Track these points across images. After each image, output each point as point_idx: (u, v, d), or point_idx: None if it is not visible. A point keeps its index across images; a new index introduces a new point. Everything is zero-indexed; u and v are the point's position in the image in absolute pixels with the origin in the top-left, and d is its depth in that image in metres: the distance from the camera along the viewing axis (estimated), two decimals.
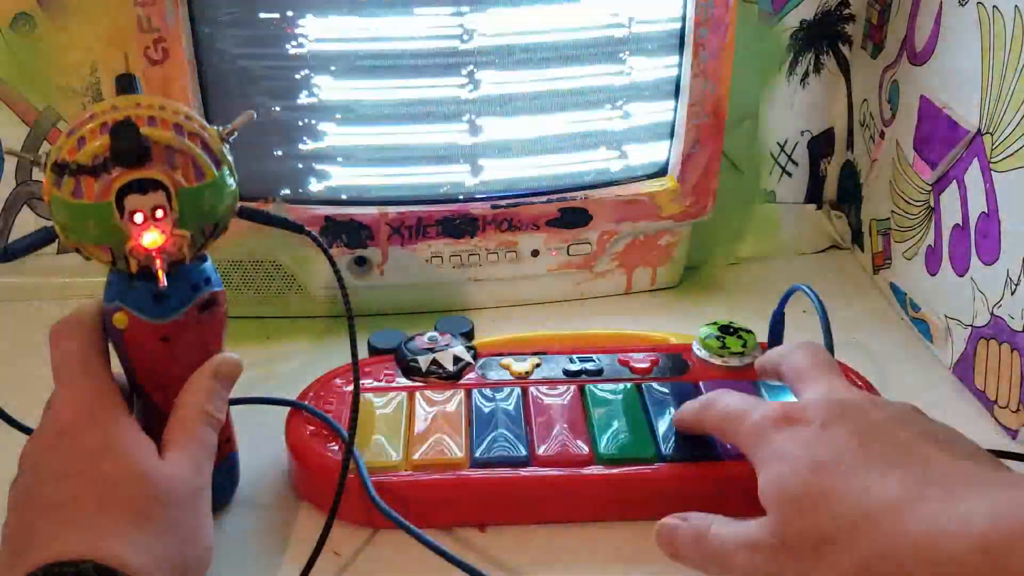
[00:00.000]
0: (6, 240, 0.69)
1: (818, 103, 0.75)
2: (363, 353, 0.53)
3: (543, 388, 0.53)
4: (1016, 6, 0.51)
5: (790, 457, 0.39)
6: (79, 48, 0.64)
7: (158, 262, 0.39)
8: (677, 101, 0.63)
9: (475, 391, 0.52)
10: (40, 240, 0.41)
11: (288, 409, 0.51)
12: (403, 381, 0.53)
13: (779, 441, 0.40)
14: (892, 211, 0.67)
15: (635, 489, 0.47)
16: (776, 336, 0.57)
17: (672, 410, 0.51)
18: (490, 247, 0.64)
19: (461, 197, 0.63)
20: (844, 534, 0.36)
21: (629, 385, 0.53)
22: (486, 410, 0.51)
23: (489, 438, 0.49)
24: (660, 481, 0.47)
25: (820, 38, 0.72)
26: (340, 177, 0.62)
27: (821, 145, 0.76)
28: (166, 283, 0.40)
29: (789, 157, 0.76)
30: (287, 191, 0.62)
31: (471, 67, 0.59)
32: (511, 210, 0.63)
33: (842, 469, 0.37)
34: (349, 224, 0.62)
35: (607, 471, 0.48)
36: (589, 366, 0.54)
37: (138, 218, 0.38)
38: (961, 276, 0.58)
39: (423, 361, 0.54)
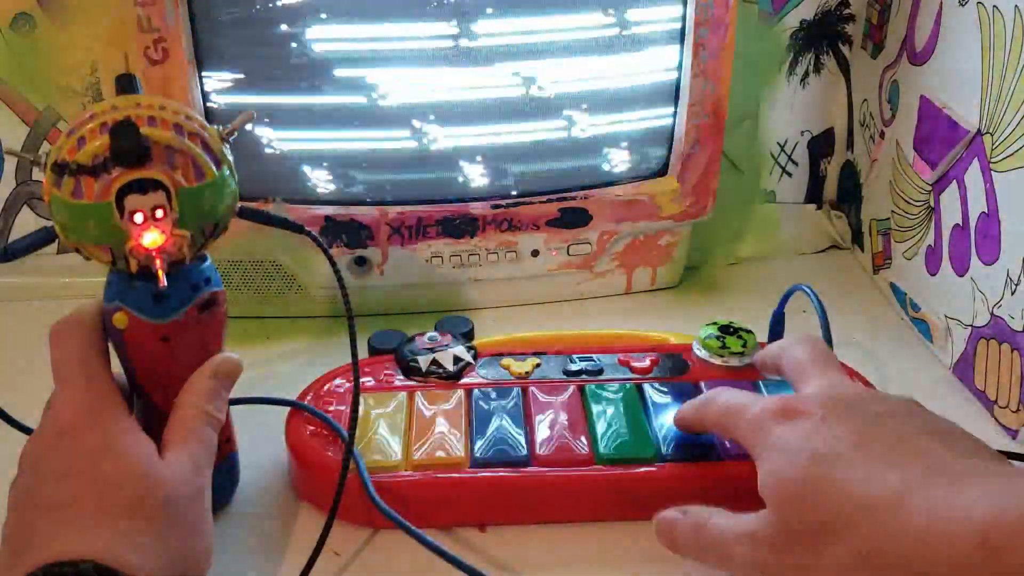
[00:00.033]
0: (6, 240, 0.69)
1: (818, 103, 0.75)
2: (363, 353, 0.53)
3: (543, 388, 0.53)
4: (1016, 6, 0.51)
5: (790, 449, 0.39)
6: (79, 48, 0.64)
7: (158, 262, 0.39)
8: (677, 101, 0.63)
9: (475, 391, 0.52)
10: (40, 240, 0.41)
11: (288, 409, 0.51)
12: (403, 381, 0.53)
13: (778, 434, 0.40)
14: (892, 211, 0.67)
15: (635, 489, 0.47)
16: (776, 336, 0.57)
17: (672, 410, 0.51)
18: (490, 247, 0.64)
19: (461, 197, 0.63)
20: (844, 525, 0.36)
21: (629, 385, 0.53)
22: (486, 410, 0.51)
23: (489, 438, 0.49)
24: (660, 481, 0.47)
25: (820, 38, 0.72)
26: (340, 177, 0.62)
27: (821, 145, 0.76)
28: (166, 283, 0.40)
29: (789, 157, 0.76)
30: (287, 191, 0.62)
31: (472, 67, 0.59)
32: (511, 210, 0.63)
33: (842, 461, 0.37)
34: (349, 224, 0.62)
35: (607, 471, 0.48)
36: (589, 366, 0.54)
37: (138, 218, 0.38)
38: (961, 276, 0.58)
39: (423, 361, 0.54)
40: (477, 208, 0.63)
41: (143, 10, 0.55)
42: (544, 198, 0.64)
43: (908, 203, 0.65)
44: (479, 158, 0.62)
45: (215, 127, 0.42)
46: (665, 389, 0.53)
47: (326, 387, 0.53)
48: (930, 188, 0.62)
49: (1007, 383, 0.54)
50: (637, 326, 0.61)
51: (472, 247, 0.64)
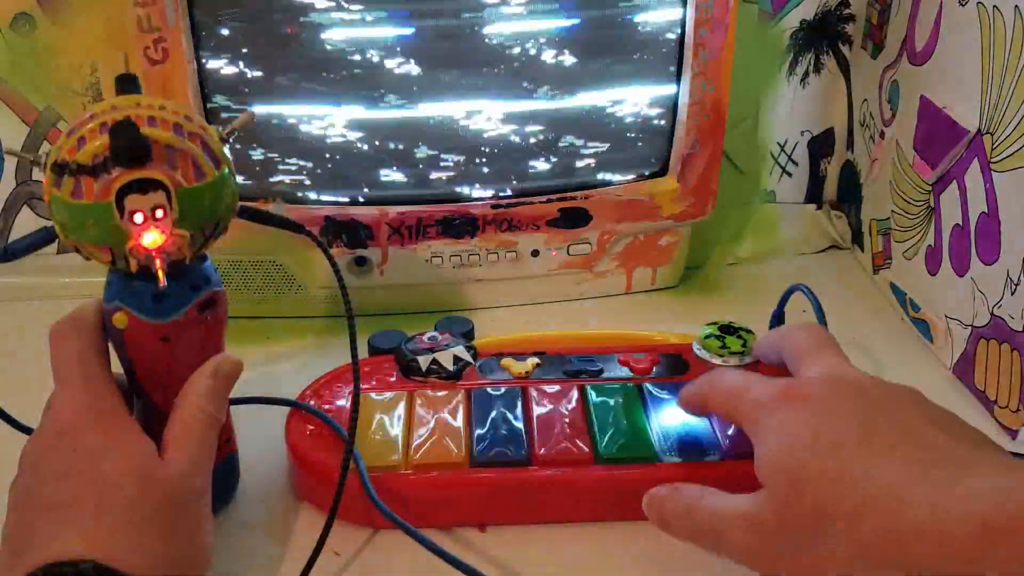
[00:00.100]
0: (6, 240, 0.69)
1: (818, 103, 0.75)
2: (363, 353, 0.53)
3: (543, 388, 0.53)
4: (1016, 6, 0.51)
5: (791, 434, 0.38)
6: (79, 48, 0.64)
7: (158, 262, 0.39)
8: (677, 101, 0.63)
9: (475, 391, 0.52)
10: (40, 240, 0.41)
11: (288, 409, 0.51)
12: (403, 381, 0.53)
13: (779, 417, 0.39)
14: (892, 211, 0.67)
15: (635, 489, 0.47)
16: None
17: (672, 410, 0.51)
18: (490, 247, 0.64)
19: (461, 197, 0.63)
20: (844, 514, 0.35)
21: (629, 385, 0.53)
22: (486, 410, 0.51)
23: (489, 438, 0.49)
24: (660, 481, 0.47)
25: (820, 38, 0.72)
26: (340, 177, 0.62)
27: (821, 145, 0.76)
28: (166, 283, 0.40)
29: (789, 157, 0.76)
30: (287, 191, 0.62)
31: (471, 66, 0.59)
32: (511, 210, 0.63)
33: (844, 448, 0.37)
34: (349, 224, 0.62)
35: (607, 471, 0.48)
36: (589, 366, 0.54)
37: (138, 218, 0.38)
38: (961, 276, 0.58)
39: (423, 361, 0.54)
40: (477, 208, 0.63)
41: (143, 10, 0.55)
42: (544, 198, 0.64)
43: (908, 203, 0.65)
44: (479, 158, 0.62)
45: (215, 127, 0.42)
46: (665, 389, 0.52)
47: (326, 387, 0.53)
48: (930, 188, 0.62)
49: (1007, 383, 0.54)
50: (637, 326, 0.61)
51: (472, 247, 0.64)
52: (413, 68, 0.59)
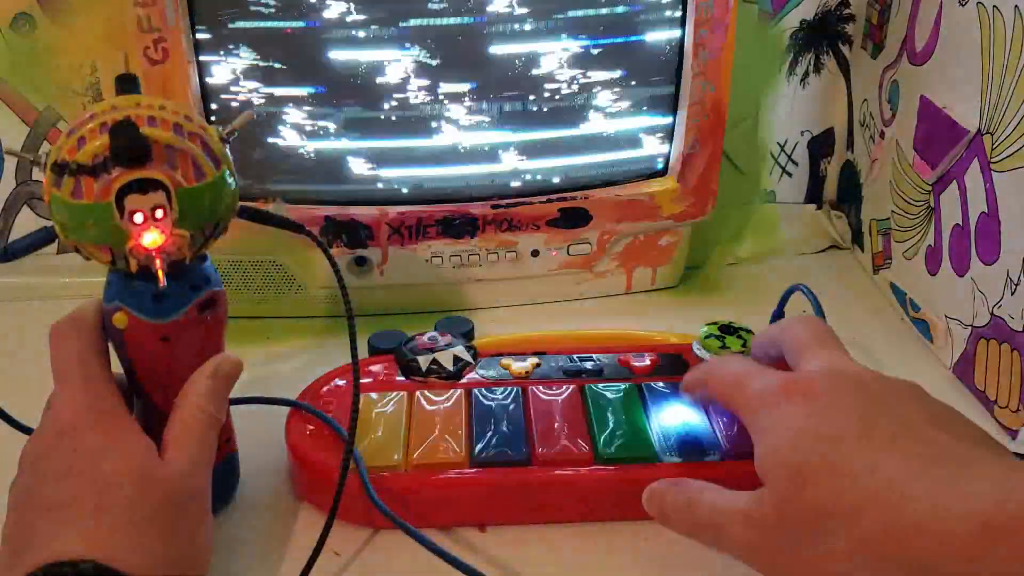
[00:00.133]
0: (6, 240, 0.69)
1: (818, 103, 0.75)
2: (363, 353, 0.53)
3: (543, 388, 0.53)
4: (1016, 6, 0.51)
5: (791, 429, 0.38)
6: (79, 48, 0.64)
7: (158, 262, 0.39)
8: (677, 101, 0.63)
9: (475, 391, 0.52)
10: (40, 240, 0.41)
11: (288, 409, 0.51)
12: (403, 381, 0.53)
13: (779, 412, 0.39)
14: (892, 211, 0.67)
15: (635, 489, 0.47)
16: None
17: (672, 410, 0.51)
18: (490, 247, 0.64)
19: (461, 197, 0.63)
20: (844, 511, 0.35)
21: (629, 385, 0.53)
22: (486, 410, 0.51)
23: (489, 438, 0.49)
24: None
25: (820, 38, 0.72)
26: (340, 177, 0.62)
27: (821, 145, 0.76)
28: (166, 283, 0.40)
29: (789, 157, 0.76)
30: (287, 191, 0.62)
31: (472, 66, 0.59)
32: (511, 210, 0.63)
33: (844, 443, 0.36)
34: (349, 224, 0.62)
35: (607, 471, 0.48)
36: (589, 366, 0.54)
37: (138, 218, 0.38)
38: (961, 276, 0.58)
39: (423, 361, 0.54)
40: (477, 208, 0.63)
41: (143, 10, 0.55)
42: (544, 198, 0.64)
43: (908, 203, 0.65)
44: (480, 158, 0.62)
45: (215, 127, 0.42)
46: (665, 389, 0.52)
47: (326, 387, 0.53)
48: (930, 188, 0.62)
49: (1007, 383, 0.54)
50: (637, 326, 0.61)
51: (472, 247, 0.64)
52: (414, 68, 0.59)
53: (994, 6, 0.53)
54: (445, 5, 0.57)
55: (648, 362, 0.55)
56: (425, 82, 0.59)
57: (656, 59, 0.62)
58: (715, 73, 0.62)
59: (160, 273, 0.39)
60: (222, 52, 0.58)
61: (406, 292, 0.66)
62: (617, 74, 0.61)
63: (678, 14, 0.61)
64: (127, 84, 0.41)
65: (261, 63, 0.58)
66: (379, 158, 0.61)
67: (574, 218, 0.64)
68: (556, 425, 0.50)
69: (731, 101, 0.63)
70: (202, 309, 0.43)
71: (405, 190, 0.63)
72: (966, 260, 0.57)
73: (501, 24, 0.58)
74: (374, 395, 0.52)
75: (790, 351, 0.44)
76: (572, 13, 0.59)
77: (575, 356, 0.55)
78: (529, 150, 0.63)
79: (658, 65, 0.62)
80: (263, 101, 0.59)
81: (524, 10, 0.58)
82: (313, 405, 0.51)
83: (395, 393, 0.52)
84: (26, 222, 0.69)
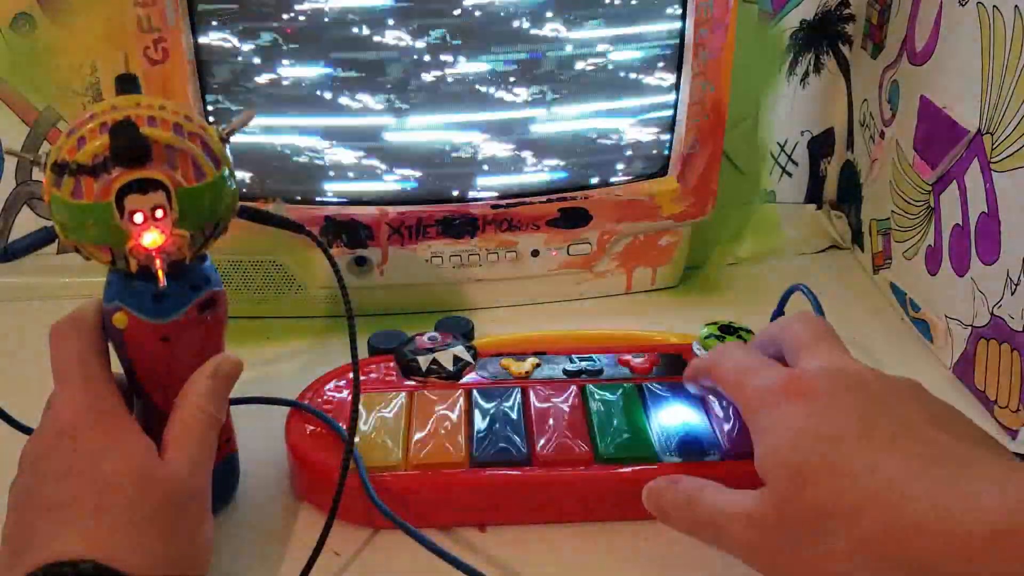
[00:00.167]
0: (6, 240, 0.69)
1: (818, 103, 0.75)
2: (363, 353, 0.53)
3: (543, 388, 0.53)
4: (1016, 6, 0.51)
5: (791, 429, 0.38)
6: (79, 48, 0.64)
7: (158, 262, 0.39)
8: (677, 101, 0.63)
9: (475, 391, 0.52)
10: (40, 240, 0.41)
11: (288, 409, 0.51)
12: (403, 381, 0.53)
13: (781, 412, 0.39)
14: (892, 211, 0.67)
15: (635, 489, 0.47)
16: None
17: (672, 410, 0.51)
18: (490, 247, 0.64)
19: (461, 197, 0.63)
20: (844, 510, 0.35)
21: (629, 385, 0.53)
22: (486, 410, 0.51)
23: (489, 438, 0.49)
24: None
25: (820, 38, 0.72)
26: (340, 177, 0.62)
27: (821, 145, 0.76)
28: (166, 283, 0.40)
29: (789, 157, 0.76)
30: (287, 191, 0.62)
31: (471, 65, 0.59)
32: (511, 210, 0.63)
33: (844, 442, 0.36)
34: (349, 224, 0.62)
35: (607, 471, 0.48)
36: (589, 366, 0.54)
37: (138, 218, 0.38)
38: (961, 276, 0.58)
39: (423, 361, 0.54)
40: (477, 208, 0.63)
41: (143, 10, 0.55)
42: (544, 198, 0.64)
43: (908, 203, 0.65)
44: (479, 157, 0.62)
45: (215, 127, 0.42)
46: (665, 389, 0.53)
47: (326, 387, 0.53)
48: (930, 188, 0.62)
49: (1007, 383, 0.54)
50: (637, 326, 0.61)
51: (472, 247, 0.64)
52: (414, 70, 0.59)
53: (994, 6, 0.53)
54: (445, 8, 0.57)
55: (648, 362, 0.55)
56: (426, 83, 0.59)
57: (656, 59, 0.62)
58: (715, 73, 0.62)
59: (160, 273, 0.39)
60: (222, 52, 0.58)
61: (406, 292, 0.66)
62: (617, 74, 0.61)
63: (678, 14, 0.61)
64: (127, 84, 0.41)
65: (261, 62, 0.58)
66: (379, 158, 0.61)
67: (574, 218, 0.64)
68: (556, 425, 0.50)
69: (731, 101, 0.63)
70: (202, 309, 0.43)
71: (405, 190, 0.62)
72: (966, 260, 0.57)
73: (501, 24, 0.58)
74: (374, 395, 0.52)
75: (790, 349, 0.44)
76: (572, 11, 0.59)
77: (575, 356, 0.55)
78: (529, 150, 0.63)
79: (658, 65, 0.62)
80: (263, 100, 0.59)
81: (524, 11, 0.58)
82: (313, 405, 0.51)
83: (395, 393, 0.52)
84: (26, 222, 0.69)
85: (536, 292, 0.68)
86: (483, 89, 0.60)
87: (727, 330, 0.56)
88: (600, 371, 0.54)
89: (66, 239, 0.40)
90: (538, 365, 0.55)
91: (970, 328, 0.57)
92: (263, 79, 0.58)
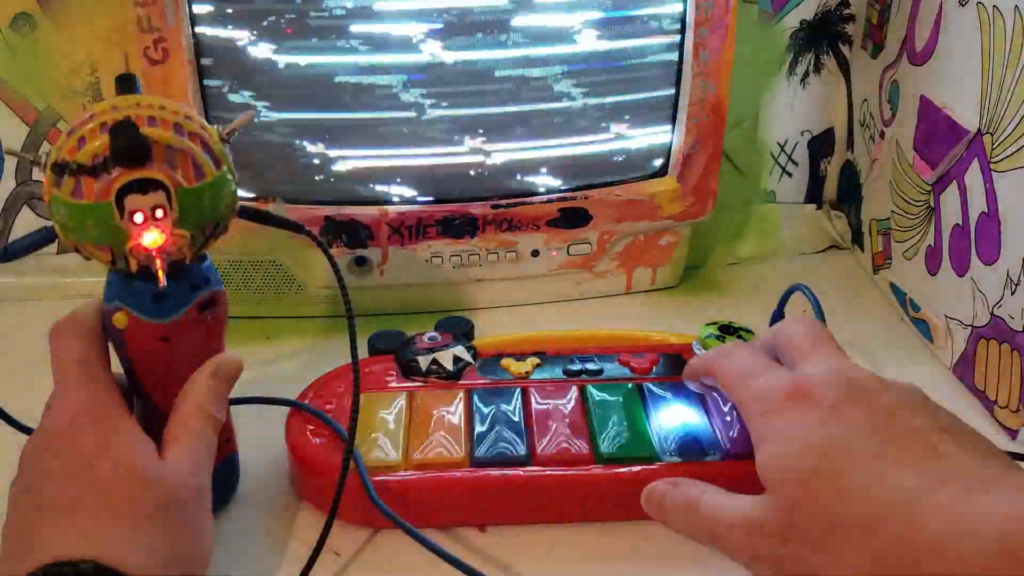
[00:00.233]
0: (6, 240, 0.69)
1: (818, 103, 0.75)
2: (363, 353, 0.53)
3: (543, 388, 0.53)
4: (1016, 6, 0.51)
5: (798, 437, 0.37)
6: (79, 48, 0.64)
7: (158, 262, 0.39)
8: (677, 101, 0.63)
9: (475, 391, 0.52)
10: (40, 240, 0.41)
11: (288, 409, 0.51)
12: (403, 381, 0.53)
13: (784, 418, 0.38)
14: (892, 211, 0.67)
15: (635, 489, 0.47)
16: None
17: (672, 410, 0.51)
18: (490, 247, 0.64)
19: (461, 197, 0.63)
20: (857, 523, 0.34)
21: (629, 385, 0.53)
22: (486, 410, 0.51)
23: (489, 438, 0.49)
24: None
25: (820, 38, 0.72)
26: (340, 177, 0.62)
27: (821, 145, 0.76)
28: (166, 283, 0.40)
29: (789, 157, 0.76)
30: (287, 190, 0.62)
31: (471, 66, 0.59)
32: (511, 210, 0.63)
33: (855, 454, 0.36)
34: (349, 224, 0.62)
35: (607, 471, 0.47)
36: (589, 366, 0.54)
37: (138, 218, 0.38)
38: (961, 276, 0.58)
39: (423, 361, 0.54)
40: (477, 208, 0.63)
41: (143, 10, 0.55)
42: (544, 198, 0.64)
43: (908, 203, 0.65)
44: (479, 157, 0.62)
45: (215, 127, 0.42)
46: (665, 389, 0.52)
47: (326, 387, 0.53)
48: (930, 188, 0.62)
49: (1007, 383, 0.54)
50: (637, 326, 0.61)
51: (472, 247, 0.64)
52: (415, 71, 0.59)
53: (994, 6, 0.53)
54: (445, 7, 0.57)
55: (648, 362, 0.55)
56: (426, 82, 0.59)
57: (656, 59, 0.62)
58: (715, 73, 0.62)
59: (160, 273, 0.39)
60: (222, 52, 0.58)
61: (406, 292, 0.66)
62: (617, 74, 0.61)
63: (678, 14, 0.61)
64: (127, 84, 0.41)
65: (261, 62, 0.58)
66: (379, 158, 0.61)
67: (574, 218, 0.64)
68: (556, 425, 0.50)
69: (731, 101, 0.63)
70: (202, 309, 0.43)
71: (404, 190, 0.62)
72: (966, 260, 0.57)
73: (500, 25, 0.58)
74: (374, 395, 0.52)
75: (787, 353, 0.43)
76: (572, 11, 0.59)
77: (575, 356, 0.55)
78: (529, 150, 0.63)
79: (658, 65, 0.62)
80: (263, 101, 0.59)
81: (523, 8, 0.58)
82: (313, 405, 0.51)
83: (395, 393, 0.52)
84: (26, 222, 0.69)
85: (536, 292, 0.68)
86: (483, 89, 0.60)
87: (727, 330, 0.56)
88: (600, 371, 0.54)
89: (66, 239, 0.40)
90: (538, 365, 0.55)
91: (970, 328, 0.57)
92: (263, 79, 0.58)
